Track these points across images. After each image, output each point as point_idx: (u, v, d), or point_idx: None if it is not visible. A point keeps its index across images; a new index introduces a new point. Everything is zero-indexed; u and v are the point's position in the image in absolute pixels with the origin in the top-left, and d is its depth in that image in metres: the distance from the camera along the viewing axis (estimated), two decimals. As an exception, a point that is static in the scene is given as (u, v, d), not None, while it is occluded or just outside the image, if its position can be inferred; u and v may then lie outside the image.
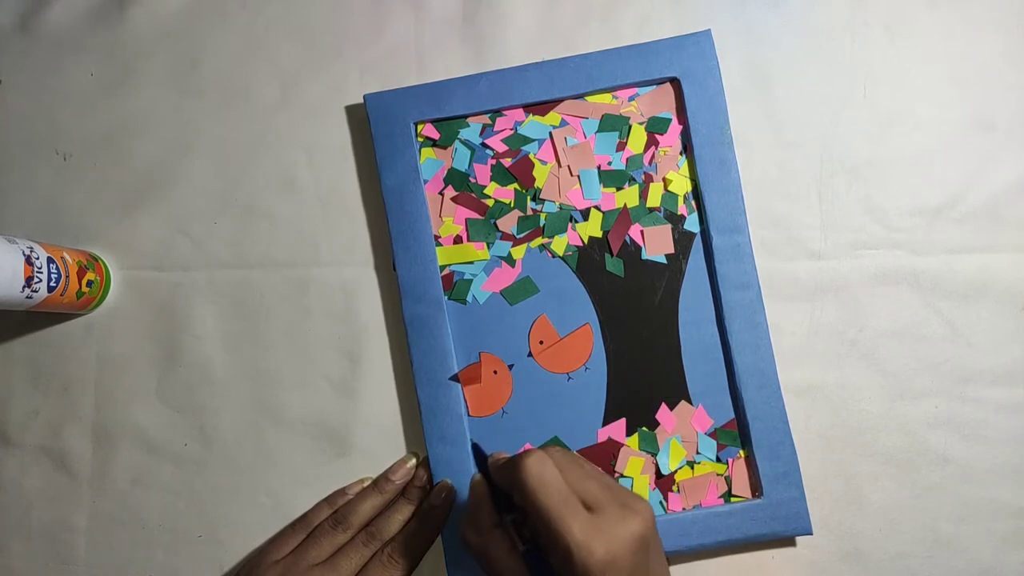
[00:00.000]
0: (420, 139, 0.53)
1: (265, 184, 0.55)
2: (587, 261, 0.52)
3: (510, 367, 0.52)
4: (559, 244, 0.52)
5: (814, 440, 0.52)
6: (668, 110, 0.53)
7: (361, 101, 0.55)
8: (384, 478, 0.51)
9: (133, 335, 0.54)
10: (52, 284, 0.48)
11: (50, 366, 0.54)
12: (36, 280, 0.47)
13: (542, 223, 0.52)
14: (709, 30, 0.52)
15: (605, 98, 0.53)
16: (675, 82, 0.53)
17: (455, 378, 0.51)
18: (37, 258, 0.48)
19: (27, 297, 0.47)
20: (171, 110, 0.56)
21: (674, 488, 0.51)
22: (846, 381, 0.52)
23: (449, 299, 0.52)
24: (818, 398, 0.52)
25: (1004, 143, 0.53)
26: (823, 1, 0.55)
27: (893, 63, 0.54)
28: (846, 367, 0.52)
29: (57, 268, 0.49)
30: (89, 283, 0.52)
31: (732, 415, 0.51)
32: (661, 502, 0.51)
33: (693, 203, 0.52)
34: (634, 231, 0.52)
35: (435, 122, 0.53)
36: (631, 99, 0.53)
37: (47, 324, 0.55)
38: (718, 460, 0.51)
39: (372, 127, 0.52)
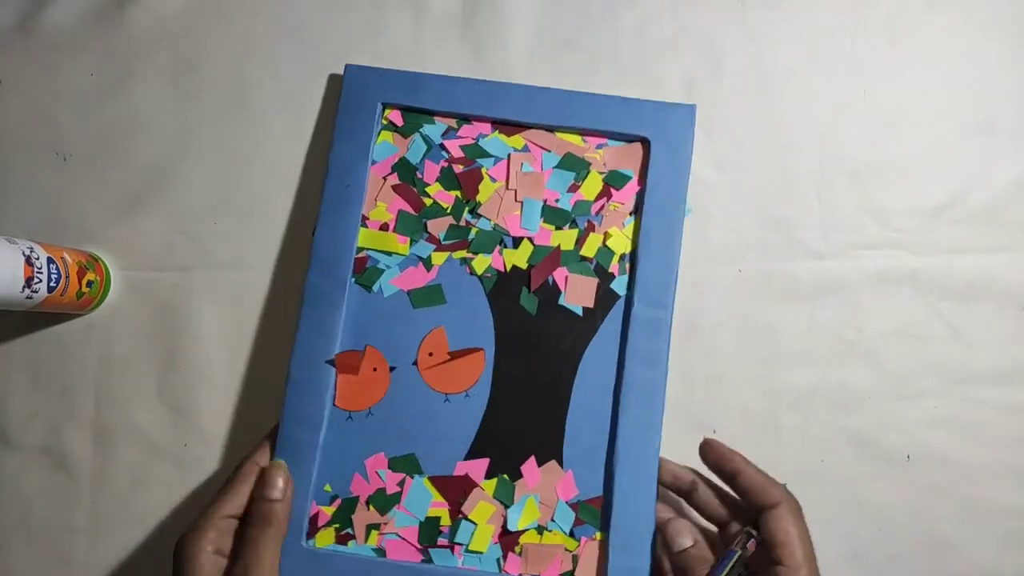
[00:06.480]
0: (384, 121, 0.52)
1: (265, 184, 0.55)
2: (503, 288, 0.50)
3: (391, 369, 0.49)
4: (481, 263, 0.50)
5: (813, 441, 0.52)
6: (631, 168, 0.51)
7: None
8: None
9: (133, 335, 0.54)
10: (52, 284, 0.48)
11: (50, 366, 0.54)
12: (36, 280, 0.47)
13: (471, 237, 0.51)
14: (694, 106, 0.51)
15: (575, 138, 0.52)
16: (646, 143, 0.51)
17: (332, 361, 0.49)
18: (37, 258, 0.48)
19: (27, 297, 0.47)
20: (171, 110, 0.56)
21: (516, 549, 0.47)
22: (846, 381, 0.52)
23: (355, 283, 0.50)
24: (818, 398, 0.52)
25: (1004, 144, 0.53)
26: (823, 1, 0.55)
27: (893, 64, 0.54)
28: (846, 367, 0.52)
29: (57, 268, 0.49)
30: (89, 283, 0.52)
31: (600, 492, 0.48)
32: (499, 559, 0.47)
33: (627, 265, 0.50)
34: (559, 274, 0.50)
35: (404, 110, 0.52)
36: (599, 147, 0.51)
37: (47, 324, 0.55)
38: (571, 535, 0.47)
39: (342, 96, 0.52)
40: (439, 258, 0.51)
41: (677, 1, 0.55)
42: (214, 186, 0.55)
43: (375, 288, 0.50)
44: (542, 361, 0.49)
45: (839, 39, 0.54)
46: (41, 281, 0.48)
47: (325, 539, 0.47)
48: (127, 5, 0.56)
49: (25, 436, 0.54)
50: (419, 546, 0.47)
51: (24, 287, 0.46)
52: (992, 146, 0.53)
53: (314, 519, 0.47)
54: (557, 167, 0.51)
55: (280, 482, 0.45)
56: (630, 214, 0.51)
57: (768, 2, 0.55)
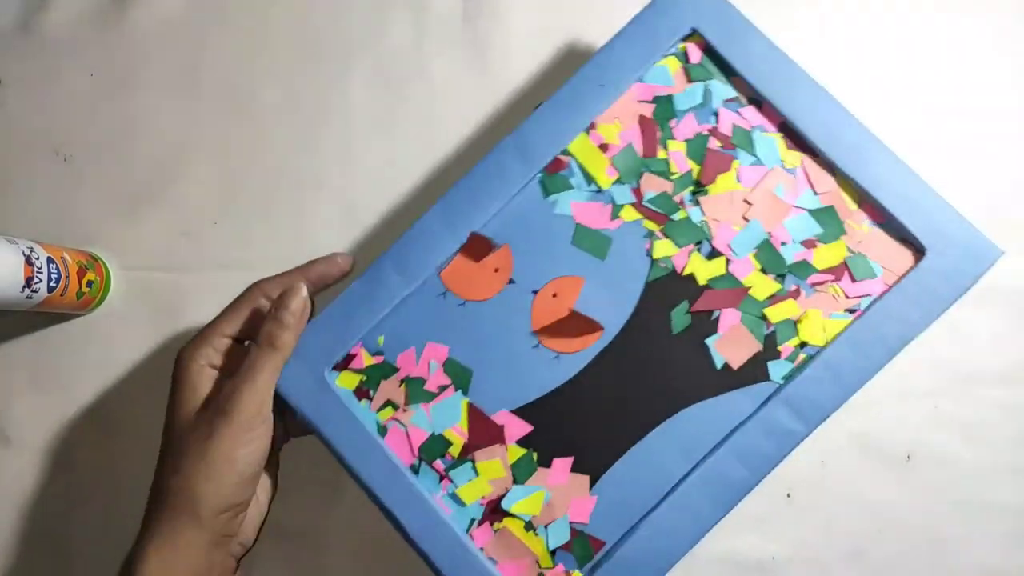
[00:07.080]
0: (680, 48, 0.44)
1: (265, 184, 0.55)
2: (664, 288, 0.43)
3: (511, 281, 0.44)
4: (662, 248, 0.43)
5: (812, 441, 0.52)
6: (886, 268, 0.43)
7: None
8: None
9: (133, 335, 0.54)
10: (52, 284, 0.48)
11: (50, 366, 0.54)
12: (36, 280, 0.47)
13: (674, 217, 0.43)
14: (1001, 252, 0.42)
15: (850, 197, 0.43)
16: (919, 253, 0.42)
17: (463, 242, 0.43)
18: (37, 258, 0.48)
19: (27, 297, 0.47)
20: (171, 111, 0.56)
21: (495, 526, 0.42)
22: (846, 381, 0.52)
23: (539, 181, 0.44)
24: (818, 398, 0.52)
25: (1004, 143, 0.53)
26: (822, 1, 0.55)
27: (893, 63, 0.54)
28: (846, 367, 0.52)
29: (57, 268, 0.49)
30: (89, 283, 0.52)
31: (607, 540, 0.41)
32: (474, 520, 0.42)
33: (800, 357, 0.42)
34: (728, 314, 0.42)
35: (708, 51, 0.44)
36: (872, 223, 0.43)
37: (47, 324, 0.55)
38: (552, 554, 0.41)
39: None
40: (629, 214, 0.43)
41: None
42: (214, 186, 0.55)
43: (551, 198, 0.44)
44: (648, 381, 0.43)
45: (839, 38, 0.54)
46: (41, 281, 0.48)
47: (346, 381, 0.43)
48: (128, 6, 0.56)
49: (25, 436, 0.54)
50: (417, 453, 0.43)
51: (24, 287, 0.46)
52: (992, 145, 0.53)
53: (350, 358, 0.43)
54: (811, 212, 0.43)
55: (298, 307, 0.42)
56: (846, 311, 0.42)
57: (768, 1, 0.55)
